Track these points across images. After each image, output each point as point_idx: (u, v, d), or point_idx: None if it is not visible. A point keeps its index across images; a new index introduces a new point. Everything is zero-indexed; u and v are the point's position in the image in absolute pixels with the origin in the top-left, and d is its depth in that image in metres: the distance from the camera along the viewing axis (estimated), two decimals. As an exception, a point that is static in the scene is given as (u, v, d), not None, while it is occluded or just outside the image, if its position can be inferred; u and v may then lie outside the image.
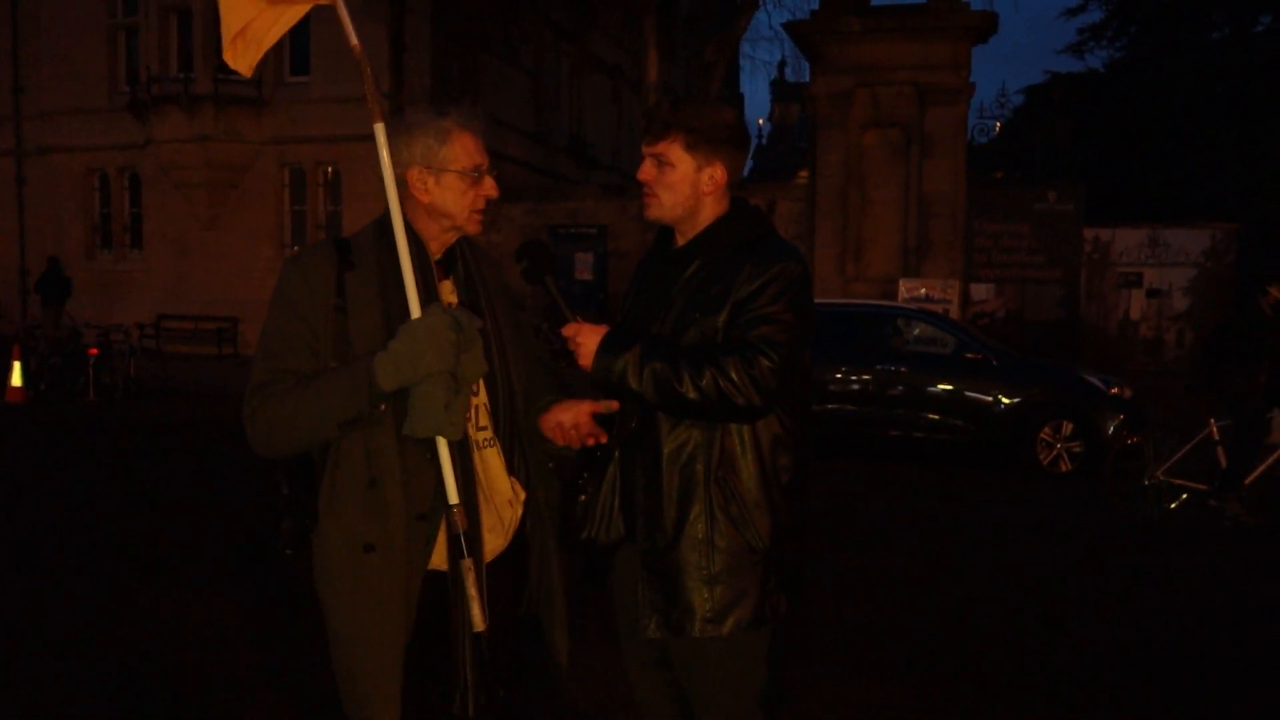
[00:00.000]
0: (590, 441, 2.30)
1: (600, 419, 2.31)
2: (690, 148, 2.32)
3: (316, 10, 2.22)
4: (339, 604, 2.15)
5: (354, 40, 2.14)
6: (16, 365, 13.87)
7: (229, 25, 2.13)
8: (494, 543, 2.24)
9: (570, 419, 2.28)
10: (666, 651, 2.41)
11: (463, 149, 2.19)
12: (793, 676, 4.22)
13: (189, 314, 21.02)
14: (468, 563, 2.11)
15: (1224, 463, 7.57)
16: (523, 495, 2.31)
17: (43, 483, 8.37)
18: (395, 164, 2.15)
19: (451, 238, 2.27)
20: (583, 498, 2.39)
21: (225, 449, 9.80)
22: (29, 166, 22.92)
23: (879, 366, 10.22)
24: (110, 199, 22.48)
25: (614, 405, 2.30)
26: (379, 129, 2.12)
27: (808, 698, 4.09)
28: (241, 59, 2.18)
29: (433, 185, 2.19)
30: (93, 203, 22.64)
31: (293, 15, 2.17)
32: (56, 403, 13.83)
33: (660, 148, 2.33)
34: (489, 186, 2.23)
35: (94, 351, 14.45)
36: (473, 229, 2.26)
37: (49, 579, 5.60)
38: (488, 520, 2.22)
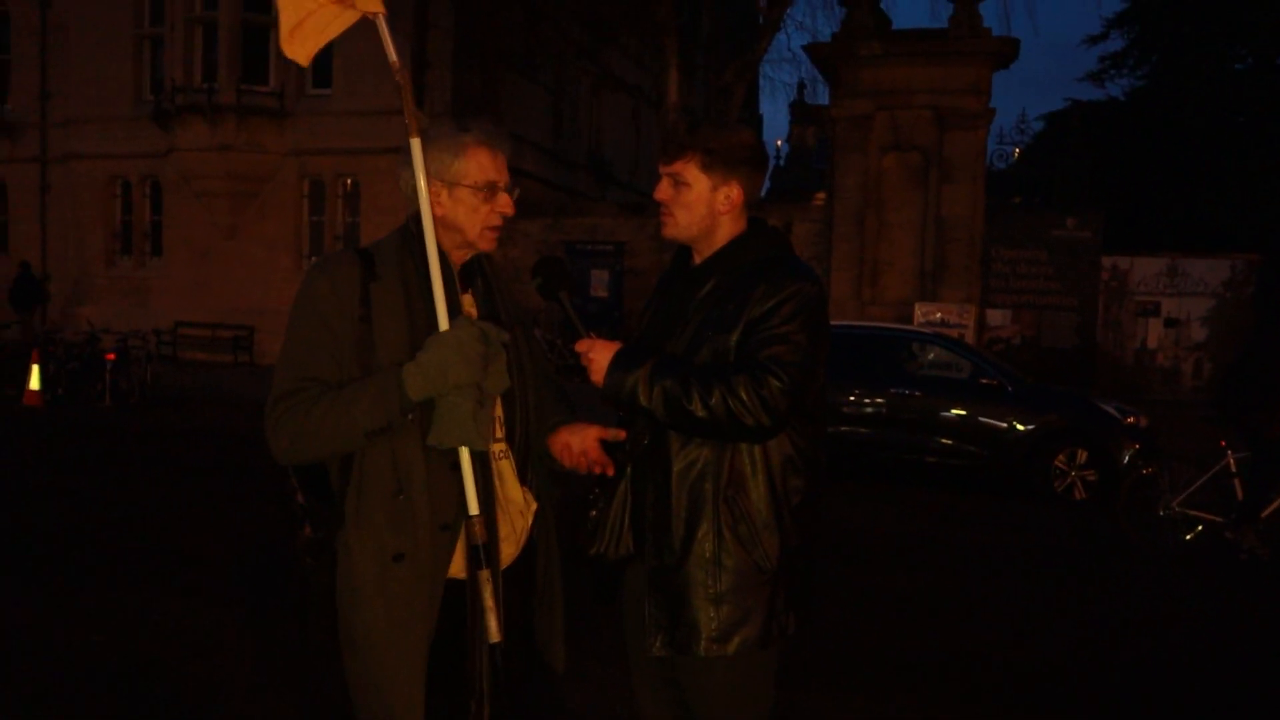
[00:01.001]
0: (597, 470, 2.30)
1: (609, 446, 2.32)
2: (706, 168, 2.32)
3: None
4: (364, 614, 2.14)
5: (394, 57, 2.16)
6: (35, 369, 13.98)
7: (287, 19, 2.16)
8: (508, 551, 2.25)
9: (579, 444, 2.29)
10: (674, 670, 2.40)
11: (477, 164, 2.19)
12: (798, 696, 4.19)
13: (206, 321, 21.13)
14: (485, 574, 2.13)
15: (1240, 495, 7.50)
16: (534, 506, 2.32)
17: (55, 486, 8.41)
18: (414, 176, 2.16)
19: (467, 253, 2.28)
20: (593, 513, 2.39)
21: (239, 457, 9.84)
22: (52, 173, 23.15)
23: (893, 390, 10.18)
24: (132, 206, 22.66)
25: (621, 434, 2.31)
26: (415, 144, 2.13)
27: (813, 716, 4.07)
28: (300, 49, 2.19)
29: (446, 199, 2.20)
30: (114, 210, 22.81)
31: (351, 16, 2.19)
32: (73, 407, 13.92)
33: (677, 167, 2.34)
34: (504, 203, 2.23)
35: (111, 357, 14.56)
36: (485, 246, 2.26)
37: (57, 582, 5.62)
38: (503, 530, 2.23)
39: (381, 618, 2.12)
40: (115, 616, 5.05)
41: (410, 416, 2.10)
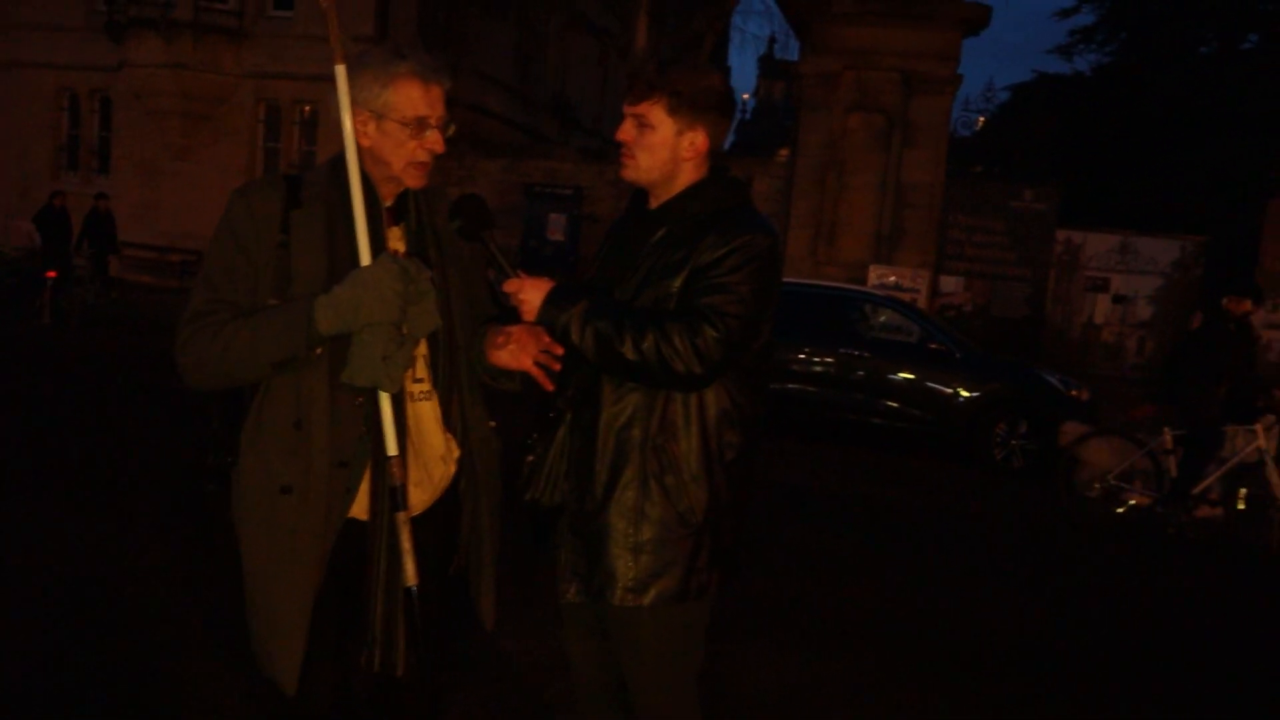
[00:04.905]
0: (542, 358, 2.16)
1: (550, 397, 2.26)
2: (673, 111, 2.25)
3: None
4: (252, 545, 2.12)
5: None
6: (-30, 283, 13.59)
7: None
8: (419, 497, 2.20)
9: (519, 329, 2.18)
10: (603, 620, 2.38)
11: (407, 97, 2.10)
12: (731, 653, 4.23)
13: (154, 244, 20.63)
14: (404, 515, 2.08)
15: (1174, 472, 7.67)
16: (456, 453, 2.26)
17: (-11, 404, 8.20)
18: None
19: (397, 187, 2.20)
20: (530, 458, 2.34)
21: (178, 383, 9.65)
22: (-4, 80, 22.34)
23: (842, 350, 10.25)
24: (80, 121, 21.96)
25: (558, 350, 2.18)
26: (340, 71, 2.06)
27: (746, 675, 4.10)
28: None
29: (373, 130, 2.13)
30: (61, 123, 22.10)
31: None
32: (10, 324, 13.55)
33: (642, 108, 2.27)
34: (432, 141, 2.14)
35: (52, 275, 14.17)
36: (411, 182, 2.17)
37: (-13, 502, 5.48)
38: (415, 474, 2.17)
39: (265, 550, 2.09)
40: (45, 539, 4.93)
41: (318, 351, 2.04)
